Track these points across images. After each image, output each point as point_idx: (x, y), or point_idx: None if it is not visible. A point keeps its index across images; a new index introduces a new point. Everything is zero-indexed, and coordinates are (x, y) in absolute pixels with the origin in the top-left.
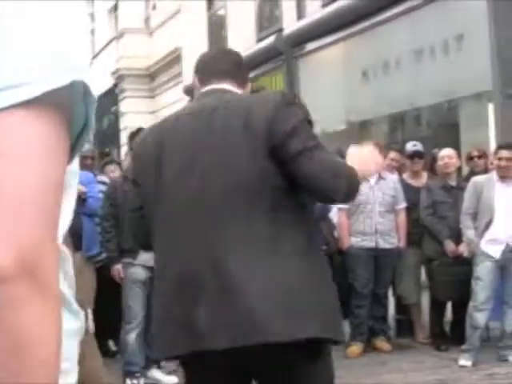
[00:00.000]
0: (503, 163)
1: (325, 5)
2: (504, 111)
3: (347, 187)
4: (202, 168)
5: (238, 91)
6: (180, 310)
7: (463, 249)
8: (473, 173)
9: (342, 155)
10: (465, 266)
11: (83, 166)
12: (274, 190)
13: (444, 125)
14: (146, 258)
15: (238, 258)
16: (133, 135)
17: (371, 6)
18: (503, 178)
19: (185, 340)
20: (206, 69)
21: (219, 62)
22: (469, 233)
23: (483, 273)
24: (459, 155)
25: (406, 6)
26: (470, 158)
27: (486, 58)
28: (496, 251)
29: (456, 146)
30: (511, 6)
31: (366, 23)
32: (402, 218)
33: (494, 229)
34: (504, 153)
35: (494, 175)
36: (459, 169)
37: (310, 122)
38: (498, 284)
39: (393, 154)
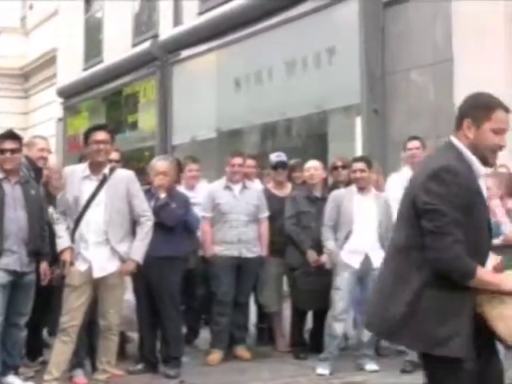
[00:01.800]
0: (358, 175)
1: (201, 13)
2: (370, 125)
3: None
4: None
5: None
6: None
7: (325, 259)
8: (336, 183)
9: None
10: (326, 276)
11: None
12: None
13: (313, 136)
14: (7, 261)
15: None
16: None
17: (246, 16)
18: (361, 189)
19: None
20: None
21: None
22: (329, 244)
23: (342, 283)
24: (326, 166)
25: (280, 17)
26: (335, 168)
27: (355, 72)
28: (355, 262)
29: (324, 156)
30: (381, 22)
31: (241, 33)
32: (265, 227)
33: (353, 240)
34: (358, 165)
35: (353, 187)
36: (326, 180)
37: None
38: (357, 294)
39: (249, 161)
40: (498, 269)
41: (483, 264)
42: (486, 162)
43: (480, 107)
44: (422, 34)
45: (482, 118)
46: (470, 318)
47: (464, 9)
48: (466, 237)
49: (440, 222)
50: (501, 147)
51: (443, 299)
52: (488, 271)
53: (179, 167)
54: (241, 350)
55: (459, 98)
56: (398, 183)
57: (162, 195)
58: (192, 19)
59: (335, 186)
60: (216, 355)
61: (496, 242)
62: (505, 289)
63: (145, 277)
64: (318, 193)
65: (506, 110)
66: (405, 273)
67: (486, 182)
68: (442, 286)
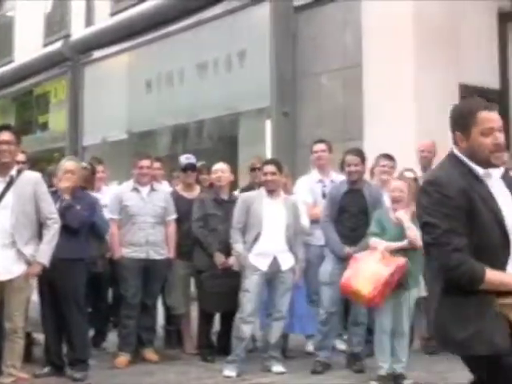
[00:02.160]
0: (269, 178)
1: (113, 13)
2: (280, 127)
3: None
4: None
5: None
6: None
7: (232, 261)
8: (254, 184)
9: None
10: (233, 278)
11: None
12: None
13: (224, 138)
14: None
15: None
16: None
17: (158, 17)
18: (271, 192)
19: None
20: None
21: None
22: (237, 246)
23: (251, 285)
24: (236, 168)
25: (191, 20)
26: (253, 170)
27: (265, 75)
28: (263, 264)
29: (235, 159)
30: (292, 26)
31: (153, 34)
32: (172, 229)
33: (262, 242)
34: (269, 168)
35: (262, 190)
36: (235, 182)
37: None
38: (265, 296)
39: (156, 164)
40: None
41: (500, 266)
42: (489, 164)
43: (463, 116)
44: (332, 39)
45: (468, 126)
46: (494, 317)
47: (373, 14)
48: (472, 240)
49: (434, 234)
50: (497, 145)
51: (461, 305)
52: (498, 272)
53: (93, 171)
54: (148, 353)
55: (368, 101)
56: (306, 186)
57: (67, 197)
58: (104, 20)
59: (252, 187)
60: (123, 358)
61: (402, 244)
62: None
63: (49, 278)
64: (225, 195)
65: (489, 108)
66: (432, 282)
67: (399, 186)
68: (457, 293)
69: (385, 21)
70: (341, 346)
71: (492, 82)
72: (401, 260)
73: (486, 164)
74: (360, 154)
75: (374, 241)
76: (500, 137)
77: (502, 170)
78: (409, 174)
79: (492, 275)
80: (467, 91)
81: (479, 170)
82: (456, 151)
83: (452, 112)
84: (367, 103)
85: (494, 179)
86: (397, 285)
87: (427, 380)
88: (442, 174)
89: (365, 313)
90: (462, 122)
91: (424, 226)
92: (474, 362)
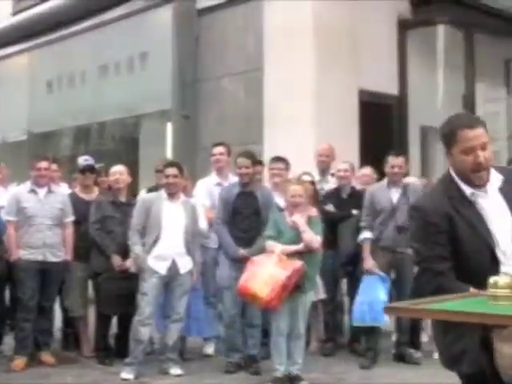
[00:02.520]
0: (170, 180)
1: (15, 13)
2: (180, 130)
3: None
4: None
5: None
6: None
7: (130, 264)
8: (158, 185)
9: None
10: (131, 280)
11: None
12: None
13: (126, 139)
14: None
15: None
16: None
17: (60, 18)
18: (171, 194)
19: None
20: None
21: None
22: (136, 248)
23: (149, 288)
24: (137, 170)
25: (93, 21)
26: (158, 171)
27: (167, 78)
28: (162, 267)
29: (136, 161)
30: (194, 29)
31: (54, 35)
32: (70, 231)
33: (161, 245)
34: (170, 170)
35: (162, 192)
36: (136, 184)
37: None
38: (162, 299)
39: (54, 166)
40: None
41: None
42: (472, 183)
43: (445, 135)
44: (234, 42)
45: (450, 145)
46: (480, 337)
47: (275, 18)
48: (458, 263)
49: (417, 259)
50: (477, 164)
51: (449, 323)
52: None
53: None
54: (45, 356)
55: (268, 104)
56: (204, 189)
57: None
58: (5, 19)
59: (158, 188)
60: (20, 361)
61: (298, 247)
62: None
63: None
64: (123, 198)
65: (470, 126)
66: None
67: (297, 190)
68: None
69: (286, 25)
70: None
71: (391, 87)
72: (297, 263)
73: (471, 183)
74: (251, 156)
75: (270, 244)
76: (481, 155)
77: (500, 180)
78: (306, 178)
79: (476, 294)
80: (366, 96)
81: (467, 191)
82: (451, 170)
83: (438, 131)
84: (268, 107)
85: (488, 196)
86: (293, 287)
87: (323, 381)
88: (427, 199)
89: (259, 315)
90: (445, 140)
91: (412, 249)
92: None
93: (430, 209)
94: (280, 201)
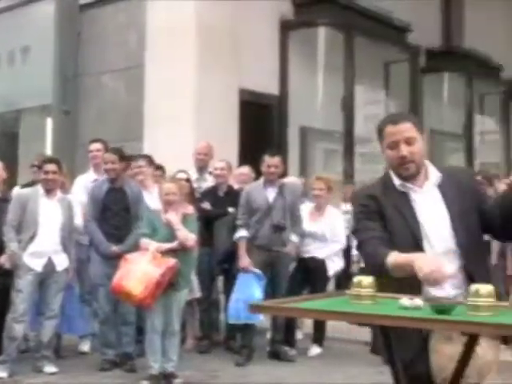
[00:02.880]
0: (50, 176)
1: None
2: (60, 126)
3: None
4: None
5: None
6: None
7: (5, 260)
8: (35, 181)
9: None
10: (5, 276)
11: None
12: None
13: (6, 134)
14: None
15: None
16: None
17: None
18: (48, 191)
19: None
20: None
21: None
22: (12, 245)
23: (24, 285)
24: (16, 165)
25: None
26: (35, 167)
27: (48, 73)
28: (38, 264)
29: (15, 156)
30: (76, 25)
31: None
32: None
33: (37, 242)
34: (49, 167)
35: (39, 188)
36: (14, 179)
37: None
38: (37, 296)
39: None
40: None
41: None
42: (400, 176)
43: (377, 133)
44: (116, 39)
45: (381, 142)
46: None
47: (157, 15)
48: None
49: (357, 238)
50: (400, 158)
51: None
52: (403, 255)
53: None
54: None
55: (149, 102)
56: (82, 185)
57: None
58: None
59: (34, 183)
60: None
61: (173, 245)
62: (416, 265)
63: None
64: None
65: (394, 122)
66: None
67: (171, 188)
68: None
69: (168, 23)
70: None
71: (272, 87)
72: (171, 261)
73: (400, 176)
74: (117, 152)
75: (145, 241)
76: (404, 149)
77: (438, 177)
78: (181, 175)
79: (396, 256)
80: (246, 95)
81: (395, 182)
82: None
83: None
84: (148, 104)
85: (423, 191)
86: (168, 285)
87: (199, 379)
88: (363, 188)
89: (134, 312)
90: (378, 138)
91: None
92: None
93: (361, 193)
94: (147, 198)
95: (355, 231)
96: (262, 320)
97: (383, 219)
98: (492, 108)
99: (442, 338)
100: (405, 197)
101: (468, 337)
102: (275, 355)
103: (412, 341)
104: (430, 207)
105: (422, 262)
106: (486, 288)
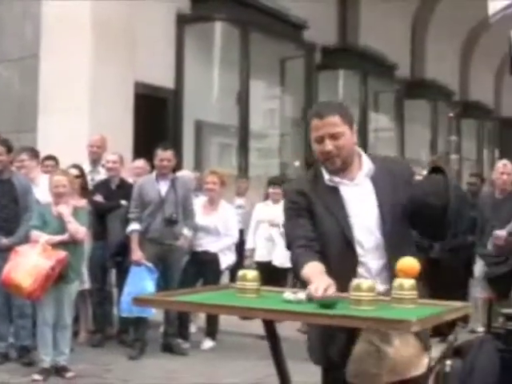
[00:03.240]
0: None
1: None
2: None
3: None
4: None
5: None
6: None
7: None
8: None
9: None
10: None
11: None
12: None
13: None
14: None
15: None
16: None
17: None
18: None
19: None
20: None
21: None
22: None
23: None
24: None
25: None
26: None
27: None
28: None
29: None
30: None
31: None
32: None
33: None
34: None
35: None
36: None
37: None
38: None
39: None
40: None
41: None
42: (329, 170)
43: (307, 124)
44: (11, 29)
45: (310, 134)
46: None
47: (53, 6)
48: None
49: (285, 241)
50: (325, 153)
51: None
52: (312, 271)
53: None
54: None
55: (44, 93)
56: None
57: None
58: None
59: None
60: None
61: (63, 237)
62: (311, 285)
63: None
64: None
65: (320, 116)
66: None
67: (61, 181)
68: None
69: (64, 15)
70: None
71: (167, 81)
72: (61, 253)
73: (328, 169)
74: (4, 143)
75: (35, 234)
76: (328, 144)
77: (371, 169)
78: (74, 169)
79: (305, 271)
80: (142, 89)
81: (325, 176)
82: None
83: None
84: (43, 95)
85: (354, 184)
86: (58, 278)
87: (91, 372)
88: (293, 182)
89: (30, 305)
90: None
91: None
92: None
93: (290, 189)
94: (35, 191)
95: (285, 228)
96: (155, 313)
97: (313, 217)
98: (386, 106)
99: (366, 337)
100: (334, 193)
101: (349, 330)
102: (168, 348)
103: (335, 339)
104: (360, 200)
105: (315, 284)
106: (366, 283)
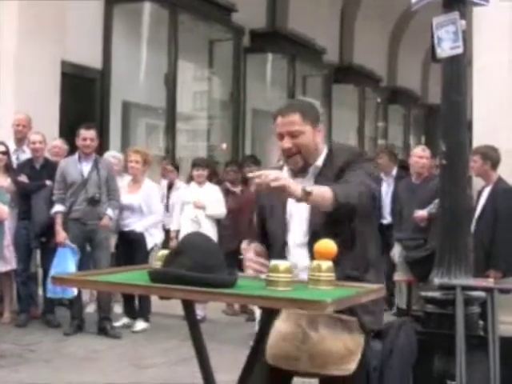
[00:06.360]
0: None
1: None
2: None
3: None
4: None
5: None
6: None
7: None
8: None
9: None
10: None
11: None
12: None
13: None
14: None
15: None
16: None
17: None
18: None
19: None
20: None
21: None
22: None
23: None
24: None
25: None
26: None
27: None
28: None
29: None
30: None
31: None
32: None
33: None
34: None
35: None
36: None
37: None
38: None
39: None
40: None
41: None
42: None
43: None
44: None
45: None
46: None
47: None
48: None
49: None
50: (284, 150)
51: None
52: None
53: None
54: None
55: None
56: None
57: None
58: None
59: None
60: None
61: None
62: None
63: None
64: None
65: (282, 114)
66: None
67: None
68: None
69: None
70: None
71: (95, 61)
72: None
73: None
74: None
75: None
76: (286, 142)
77: (316, 167)
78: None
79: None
80: (69, 68)
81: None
82: None
83: None
84: None
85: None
86: None
87: (13, 352)
88: None
89: None
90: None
91: None
92: None
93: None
94: None
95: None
96: (75, 293)
97: (263, 218)
98: (314, 90)
99: (282, 316)
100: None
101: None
102: (102, 330)
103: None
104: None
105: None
106: (284, 264)
